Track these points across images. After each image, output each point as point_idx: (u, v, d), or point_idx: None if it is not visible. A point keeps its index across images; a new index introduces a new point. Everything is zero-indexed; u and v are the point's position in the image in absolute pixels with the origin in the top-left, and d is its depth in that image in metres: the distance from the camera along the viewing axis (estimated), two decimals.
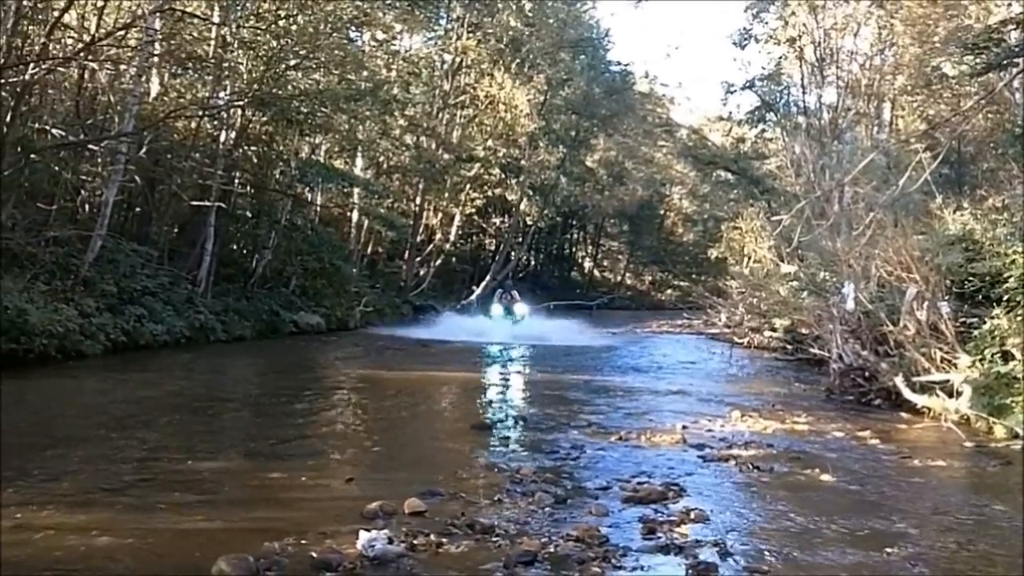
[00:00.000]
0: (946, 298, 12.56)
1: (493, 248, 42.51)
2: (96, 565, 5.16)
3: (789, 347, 21.01)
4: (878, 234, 13.70)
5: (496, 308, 28.58)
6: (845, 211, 16.28)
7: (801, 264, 21.02)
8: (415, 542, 5.68)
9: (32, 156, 15.27)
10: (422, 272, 35.31)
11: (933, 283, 12.35)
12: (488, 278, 37.94)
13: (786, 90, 34.96)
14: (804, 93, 31.78)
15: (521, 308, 28.36)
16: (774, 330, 23.59)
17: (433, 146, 33.48)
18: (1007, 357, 10.87)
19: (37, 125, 16.57)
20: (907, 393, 11.89)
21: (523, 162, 37.96)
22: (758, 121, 36.93)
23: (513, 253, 41.06)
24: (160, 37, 17.93)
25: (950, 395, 11.25)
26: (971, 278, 13.36)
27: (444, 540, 5.77)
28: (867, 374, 13.29)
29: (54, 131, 16.66)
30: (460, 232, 38.78)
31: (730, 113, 38.48)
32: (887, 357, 13.01)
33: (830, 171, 18.37)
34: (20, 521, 5.82)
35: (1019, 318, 11.28)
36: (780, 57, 32.64)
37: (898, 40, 25.95)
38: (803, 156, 19.10)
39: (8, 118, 15.06)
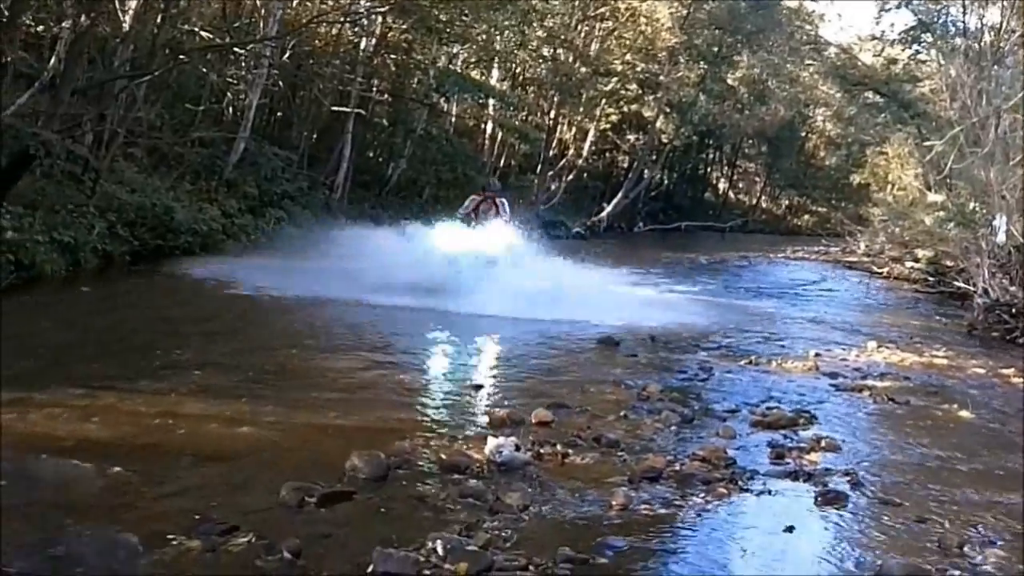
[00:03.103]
0: None
1: (626, 166, 41.79)
2: (239, 453, 5.42)
3: (931, 279, 20.30)
4: None
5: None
6: (1001, 139, 15.32)
7: (950, 193, 20.03)
8: (541, 451, 5.76)
9: (180, 57, 15.68)
10: (553, 187, 35.09)
11: None
12: (620, 195, 37.51)
13: (944, 9, 32.85)
14: (965, 13, 29.78)
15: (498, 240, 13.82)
16: (916, 261, 22.75)
17: (570, 59, 32.94)
18: None
19: (186, 27, 17.00)
20: None
21: (661, 78, 36.94)
22: (912, 41, 34.88)
23: (646, 171, 40.31)
24: None
25: None
26: None
27: (570, 451, 5.83)
28: (1014, 310, 12.73)
29: (202, 33, 17.08)
30: (593, 148, 38.28)
31: (883, 32, 36.39)
32: None
33: (988, 97, 17.28)
34: (167, 408, 6.13)
35: None
36: None
37: None
38: (960, 80, 17.95)
39: (159, 20, 15.51)
